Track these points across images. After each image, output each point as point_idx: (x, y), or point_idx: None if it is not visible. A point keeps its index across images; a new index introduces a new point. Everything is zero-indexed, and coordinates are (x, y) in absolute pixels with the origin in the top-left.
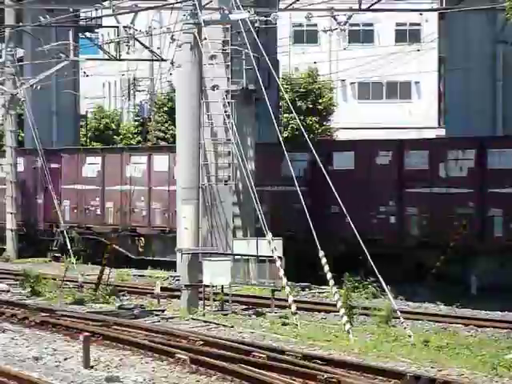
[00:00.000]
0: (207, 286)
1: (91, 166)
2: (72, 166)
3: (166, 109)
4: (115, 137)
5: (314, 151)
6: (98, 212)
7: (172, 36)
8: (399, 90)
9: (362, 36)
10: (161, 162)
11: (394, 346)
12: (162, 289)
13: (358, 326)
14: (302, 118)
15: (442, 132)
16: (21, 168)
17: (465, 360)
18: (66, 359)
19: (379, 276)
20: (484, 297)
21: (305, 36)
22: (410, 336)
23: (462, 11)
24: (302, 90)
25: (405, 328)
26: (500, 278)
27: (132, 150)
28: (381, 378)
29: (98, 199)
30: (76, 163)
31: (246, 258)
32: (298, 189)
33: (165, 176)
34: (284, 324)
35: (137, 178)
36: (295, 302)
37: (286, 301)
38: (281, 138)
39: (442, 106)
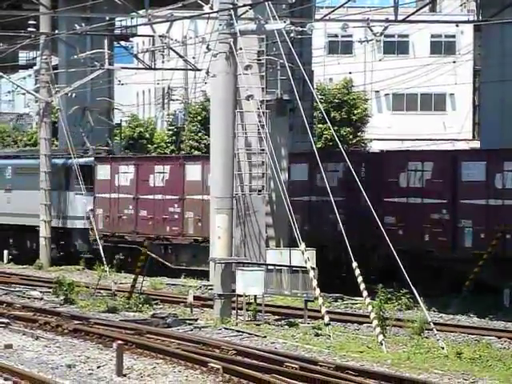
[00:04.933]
0: (240, 296)
1: None
2: None
3: (199, 118)
4: (149, 146)
5: None
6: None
7: (207, 46)
8: (433, 102)
9: (396, 47)
10: None
11: (426, 358)
12: (195, 298)
13: (390, 337)
14: (335, 128)
15: (476, 144)
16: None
17: (498, 372)
18: (99, 367)
19: (413, 288)
20: None
21: (339, 47)
22: (442, 348)
23: (498, 23)
24: (336, 100)
25: (438, 340)
26: None
27: None
28: None
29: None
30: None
31: (279, 268)
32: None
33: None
34: (317, 335)
35: None
36: (328, 312)
37: (319, 311)
38: (315, 149)
39: (477, 119)
